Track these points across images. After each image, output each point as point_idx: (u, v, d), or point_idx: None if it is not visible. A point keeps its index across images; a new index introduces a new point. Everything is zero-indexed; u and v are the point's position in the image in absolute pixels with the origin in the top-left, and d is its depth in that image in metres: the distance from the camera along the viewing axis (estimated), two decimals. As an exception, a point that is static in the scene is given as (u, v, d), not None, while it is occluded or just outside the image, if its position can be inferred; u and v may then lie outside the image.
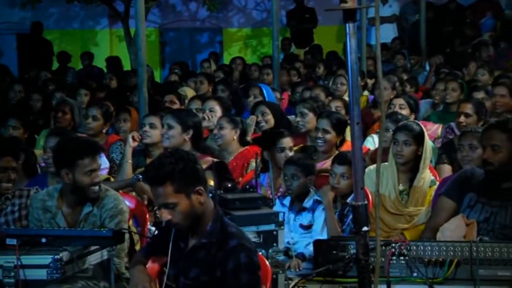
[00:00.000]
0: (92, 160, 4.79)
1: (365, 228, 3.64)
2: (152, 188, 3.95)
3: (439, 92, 9.24)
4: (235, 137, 6.75)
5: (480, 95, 7.98)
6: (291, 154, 6.06)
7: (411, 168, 5.66)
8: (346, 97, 8.78)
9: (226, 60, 16.06)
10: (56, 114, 8.42)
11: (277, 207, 5.20)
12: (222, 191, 4.59)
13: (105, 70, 14.46)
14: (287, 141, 6.16)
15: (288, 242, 4.70)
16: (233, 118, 6.95)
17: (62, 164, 4.81)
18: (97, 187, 4.83)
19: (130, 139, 6.41)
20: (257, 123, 7.54)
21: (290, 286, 4.36)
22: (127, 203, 5.12)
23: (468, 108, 7.15)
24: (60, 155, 4.87)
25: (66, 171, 4.78)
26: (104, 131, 7.69)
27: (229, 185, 4.71)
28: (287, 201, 5.48)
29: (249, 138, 7.26)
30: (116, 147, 7.25)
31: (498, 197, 4.86)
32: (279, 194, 5.77)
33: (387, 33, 14.88)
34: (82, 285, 2.49)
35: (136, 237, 5.22)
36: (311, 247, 4.85)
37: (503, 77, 9.61)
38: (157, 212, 4.17)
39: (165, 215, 3.90)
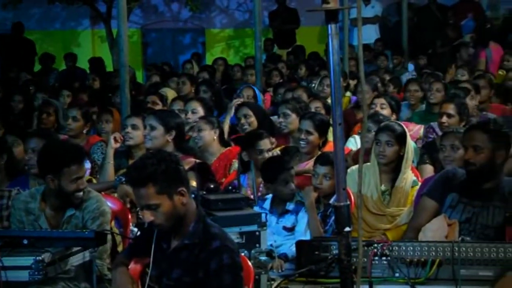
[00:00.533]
0: (78, 168, 4.73)
1: (347, 229, 3.64)
2: (135, 189, 3.95)
3: (412, 93, 9.26)
4: (215, 137, 6.75)
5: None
6: (268, 155, 6.04)
7: (393, 168, 5.67)
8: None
9: (209, 61, 16.00)
10: (41, 115, 8.36)
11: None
12: (204, 192, 4.58)
13: (88, 71, 14.41)
14: (264, 143, 6.13)
15: (271, 245, 4.69)
16: (210, 119, 6.94)
17: (48, 170, 4.74)
18: (81, 193, 4.80)
19: (112, 140, 6.39)
20: (241, 125, 7.53)
21: (273, 286, 4.35)
22: (110, 205, 5.09)
23: (450, 108, 7.14)
24: (47, 161, 4.79)
25: (52, 178, 4.72)
26: (84, 131, 7.67)
27: (212, 186, 4.71)
28: (266, 204, 5.44)
29: (226, 126, 7.25)
30: (97, 148, 7.22)
31: (479, 198, 4.88)
32: (259, 194, 5.76)
33: (369, 34, 14.89)
34: (63, 286, 2.49)
35: (118, 238, 5.19)
36: (294, 248, 4.85)
37: (480, 77, 9.62)
38: (139, 213, 4.16)
39: (148, 216, 3.89)
